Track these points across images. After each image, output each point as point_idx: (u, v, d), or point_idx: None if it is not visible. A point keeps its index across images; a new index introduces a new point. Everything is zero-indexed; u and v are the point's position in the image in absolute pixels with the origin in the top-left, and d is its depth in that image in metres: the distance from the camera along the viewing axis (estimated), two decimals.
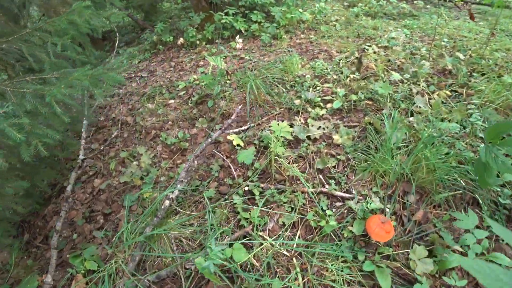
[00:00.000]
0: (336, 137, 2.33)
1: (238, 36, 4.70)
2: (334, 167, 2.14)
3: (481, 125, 2.25)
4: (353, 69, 3.14)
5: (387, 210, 1.85)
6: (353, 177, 2.05)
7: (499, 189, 1.84)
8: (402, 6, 5.46)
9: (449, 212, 1.76)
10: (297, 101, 2.82)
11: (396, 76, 2.71)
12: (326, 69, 3.30)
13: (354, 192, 1.96)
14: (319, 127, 2.47)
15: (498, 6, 2.91)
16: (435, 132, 2.12)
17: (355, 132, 2.39)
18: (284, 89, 3.06)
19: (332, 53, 3.80)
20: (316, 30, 4.77)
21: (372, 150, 2.13)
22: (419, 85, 2.80)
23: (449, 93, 2.70)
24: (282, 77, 3.29)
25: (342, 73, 3.12)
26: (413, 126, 2.24)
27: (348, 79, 3.01)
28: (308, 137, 2.41)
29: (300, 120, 2.59)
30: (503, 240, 1.69)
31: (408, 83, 2.85)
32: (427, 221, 1.78)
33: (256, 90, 2.87)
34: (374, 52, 3.57)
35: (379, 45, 3.78)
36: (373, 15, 5.28)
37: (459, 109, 2.43)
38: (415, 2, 6.00)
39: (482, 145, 1.99)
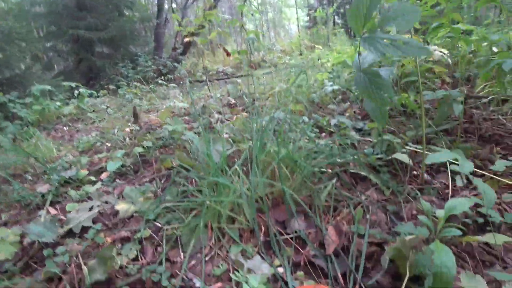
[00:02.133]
0: (122, 205, 1.29)
1: None
2: None
3: None
4: (131, 127, 2.33)
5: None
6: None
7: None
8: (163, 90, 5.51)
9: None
10: (44, 187, 1.60)
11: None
12: (97, 141, 2.31)
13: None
14: (91, 207, 1.35)
15: None
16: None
17: (157, 184, 1.45)
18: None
19: (106, 129, 2.90)
20: (83, 120, 3.79)
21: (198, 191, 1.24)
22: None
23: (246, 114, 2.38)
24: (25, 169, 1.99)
25: (123, 140, 2.21)
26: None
27: (128, 138, 2.14)
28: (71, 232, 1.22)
29: (46, 216, 1.37)
30: None
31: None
32: (344, 235, 0.99)
33: None
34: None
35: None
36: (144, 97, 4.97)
37: None
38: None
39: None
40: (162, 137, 1.99)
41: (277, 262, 0.95)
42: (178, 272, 0.94)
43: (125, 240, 1.14)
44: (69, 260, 1.05)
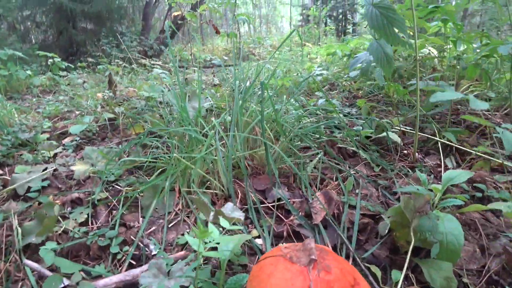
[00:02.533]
0: (79, 166, 1.11)
1: None
2: None
3: None
4: (105, 93, 2.12)
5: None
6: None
7: None
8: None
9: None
10: None
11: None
12: (65, 108, 2.10)
13: None
14: (45, 169, 1.17)
15: None
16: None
17: (124, 147, 1.28)
18: None
19: (77, 97, 2.67)
20: (55, 92, 3.51)
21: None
22: None
23: None
24: None
25: (94, 108, 1.99)
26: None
27: (100, 106, 1.95)
28: None
29: None
30: None
31: None
32: (334, 204, 0.85)
33: None
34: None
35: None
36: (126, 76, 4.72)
37: None
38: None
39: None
40: (137, 107, 1.81)
41: (255, 232, 0.81)
42: (134, 238, 0.78)
43: (76, 202, 0.96)
44: (1, 220, 0.87)
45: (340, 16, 16.37)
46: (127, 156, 1.22)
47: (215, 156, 0.89)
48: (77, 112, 2.02)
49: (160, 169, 0.99)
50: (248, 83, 1.23)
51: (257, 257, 0.73)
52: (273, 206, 0.89)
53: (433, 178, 1.14)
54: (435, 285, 0.58)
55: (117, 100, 2.06)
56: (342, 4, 17.10)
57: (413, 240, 0.61)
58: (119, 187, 1.00)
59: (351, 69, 1.99)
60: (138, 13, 7.51)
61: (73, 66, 4.77)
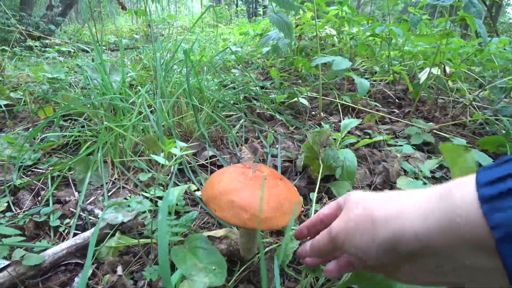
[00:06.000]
0: None
1: None
2: None
3: None
4: None
5: None
6: None
7: None
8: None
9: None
10: None
11: None
12: None
13: None
14: None
15: None
16: None
17: (34, 132, 1.16)
18: None
19: None
20: None
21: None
22: None
23: None
24: None
25: None
26: None
27: None
28: None
29: None
30: None
31: None
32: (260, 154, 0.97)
33: None
34: None
35: None
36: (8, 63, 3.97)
37: None
38: None
39: None
40: (40, 91, 1.60)
41: (194, 187, 0.89)
42: (73, 210, 0.77)
43: None
44: None
45: None
46: (40, 141, 1.12)
47: (146, 123, 0.92)
48: None
49: (88, 144, 0.96)
50: (167, 57, 1.26)
51: (199, 206, 0.82)
52: (206, 163, 0.98)
53: (336, 131, 1.39)
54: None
55: (8, 86, 1.78)
56: None
57: (321, 166, 0.79)
58: (41, 170, 0.94)
59: (263, 46, 2.16)
60: None
61: None
